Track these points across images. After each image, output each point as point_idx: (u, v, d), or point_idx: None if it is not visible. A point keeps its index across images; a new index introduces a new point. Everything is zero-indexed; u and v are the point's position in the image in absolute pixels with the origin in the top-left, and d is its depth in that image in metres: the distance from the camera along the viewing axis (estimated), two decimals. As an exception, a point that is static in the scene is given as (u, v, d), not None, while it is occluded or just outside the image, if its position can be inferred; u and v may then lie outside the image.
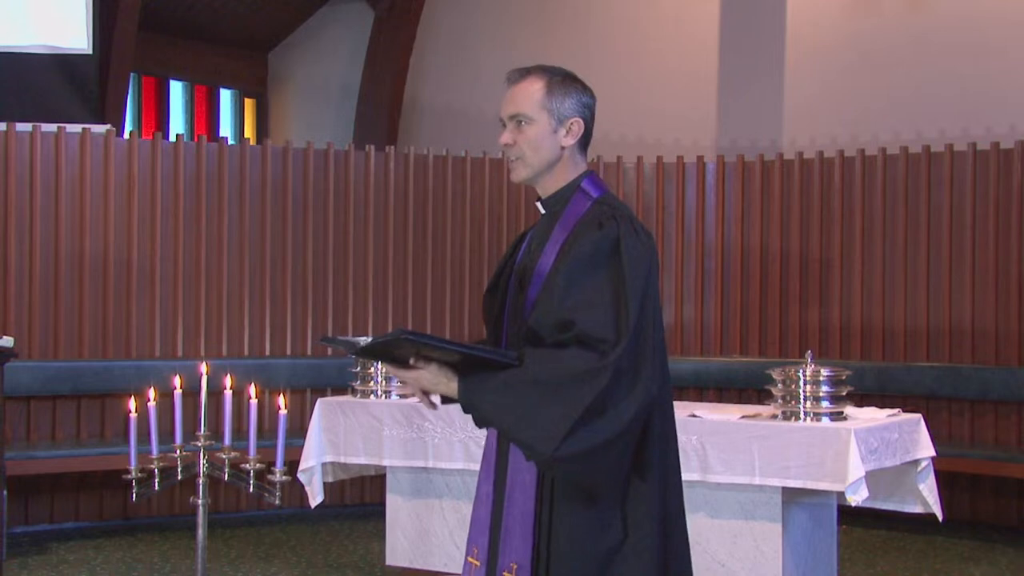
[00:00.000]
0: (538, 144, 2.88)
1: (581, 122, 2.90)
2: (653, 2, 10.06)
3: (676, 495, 2.89)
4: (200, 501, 4.13)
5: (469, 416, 2.78)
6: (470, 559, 2.97)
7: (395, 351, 2.75)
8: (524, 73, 2.92)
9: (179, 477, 4.12)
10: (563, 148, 2.90)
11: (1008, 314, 7.61)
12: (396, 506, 6.16)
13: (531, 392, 2.65)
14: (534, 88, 2.88)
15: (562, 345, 2.69)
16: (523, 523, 2.81)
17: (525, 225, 7.79)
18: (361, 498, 8.14)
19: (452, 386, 2.71)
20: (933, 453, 5.59)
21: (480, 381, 2.69)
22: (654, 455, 2.80)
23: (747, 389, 8.06)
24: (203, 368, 4.20)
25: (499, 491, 2.90)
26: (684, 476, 5.24)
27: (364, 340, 2.83)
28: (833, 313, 8.19)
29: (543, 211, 2.96)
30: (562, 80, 2.91)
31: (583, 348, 2.67)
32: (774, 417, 5.39)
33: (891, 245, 8.01)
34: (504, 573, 2.84)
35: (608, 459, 2.67)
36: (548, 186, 2.94)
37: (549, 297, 2.75)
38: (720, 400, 8.00)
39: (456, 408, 2.91)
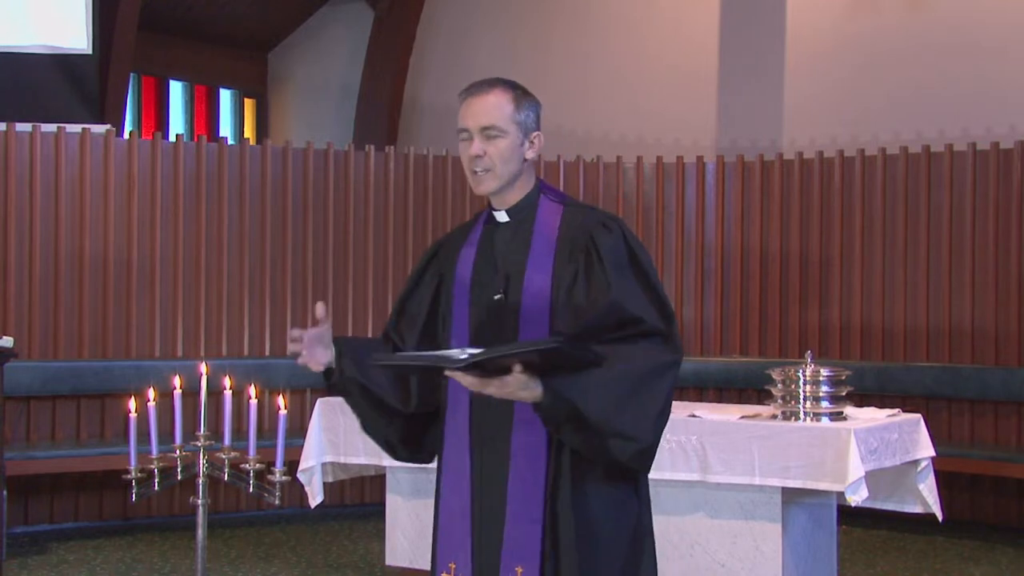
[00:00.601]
0: (508, 157, 2.89)
1: (542, 136, 2.96)
2: (653, 2, 10.05)
3: None
4: (200, 501, 4.12)
5: None
6: None
7: (502, 361, 2.63)
8: (490, 85, 2.91)
9: (179, 477, 4.12)
10: (526, 160, 2.93)
11: (1008, 314, 7.61)
12: (396, 506, 6.16)
13: (627, 384, 2.72)
14: (503, 101, 2.89)
15: (630, 340, 2.77)
16: (531, 523, 2.80)
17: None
18: (361, 498, 8.14)
19: (537, 391, 2.67)
20: (933, 453, 5.59)
21: (572, 380, 2.68)
22: None
23: (747, 389, 8.06)
24: (203, 368, 4.20)
25: (478, 503, 2.87)
26: (684, 476, 5.32)
27: (461, 353, 2.62)
28: (833, 313, 8.18)
29: (507, 219, 2.95)
30: (523, 94, 2.94)
31: (650, 341, 2.78)
32: (774, 417, 5.40)
33: (891, 245, 8.01)
34: None
35: (661, 438, 2.84)
36: (510, 198, 2.95)
37: (594, 301, 2.79)
38: (720, 400, 7.99)
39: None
